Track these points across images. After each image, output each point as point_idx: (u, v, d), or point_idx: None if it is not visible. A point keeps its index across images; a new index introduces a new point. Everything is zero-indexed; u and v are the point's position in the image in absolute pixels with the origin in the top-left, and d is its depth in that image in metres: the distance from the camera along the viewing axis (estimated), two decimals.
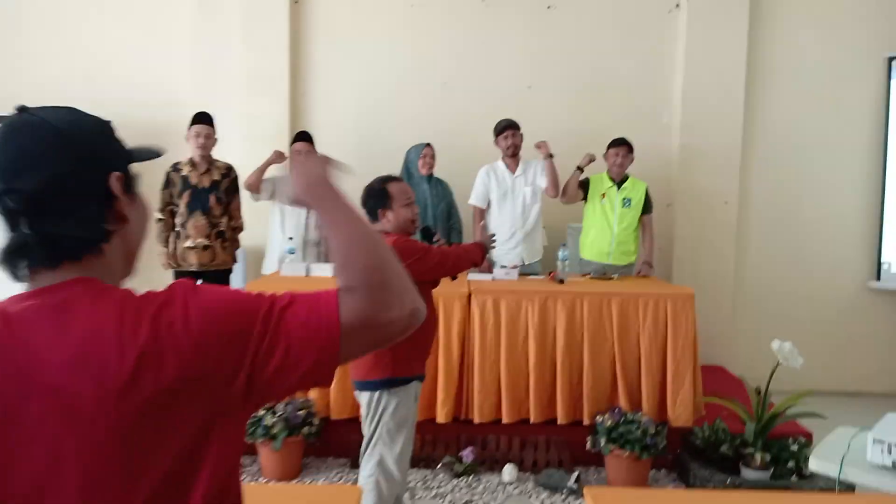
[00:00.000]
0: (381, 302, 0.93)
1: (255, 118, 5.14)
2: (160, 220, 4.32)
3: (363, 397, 2.62)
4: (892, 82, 5.10)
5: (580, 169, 4.46)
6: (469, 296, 3.74)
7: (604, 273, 4.35)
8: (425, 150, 4.54)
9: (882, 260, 5.17)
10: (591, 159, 4.42)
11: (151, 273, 5.00)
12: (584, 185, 4.50)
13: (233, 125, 5.11)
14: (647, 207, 4.56)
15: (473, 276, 4.23)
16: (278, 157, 4.48)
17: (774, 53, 5.24)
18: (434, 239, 2.81)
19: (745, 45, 5.14)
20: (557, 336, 3.71)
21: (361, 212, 1.49)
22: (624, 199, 4.49)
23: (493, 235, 3.14)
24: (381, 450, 2.58)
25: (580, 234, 4.77)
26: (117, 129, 1.02)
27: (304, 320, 0.89)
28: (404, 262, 1.02)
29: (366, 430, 2.62)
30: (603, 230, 4.49)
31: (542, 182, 4.54)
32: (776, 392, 3.50)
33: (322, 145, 5.21)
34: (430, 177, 4.58)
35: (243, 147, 4.88)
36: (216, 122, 4.43)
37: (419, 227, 2.72)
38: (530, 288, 3.86)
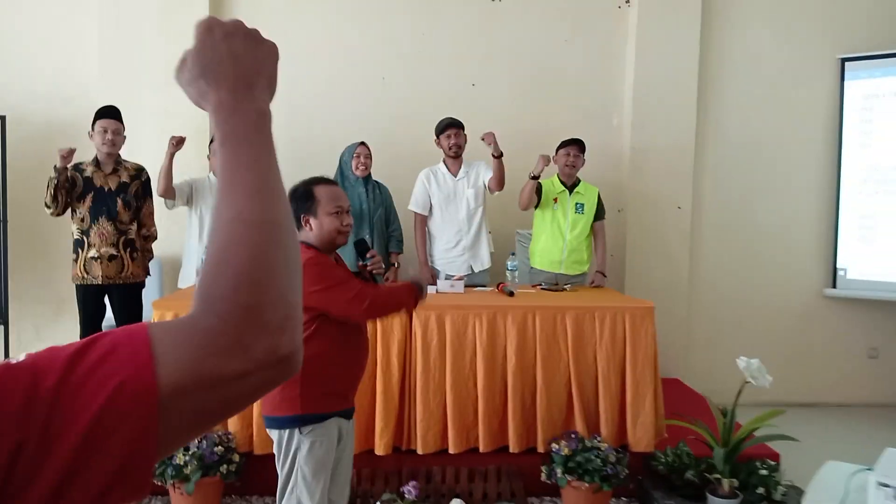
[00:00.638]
0: (236, 341, 0.57)
1: (171, 114, 4.61)
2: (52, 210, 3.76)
3: (273, 435, 2.25)
4: (846, 84, 4.96)
5: (535, 177, 4.09)
6: (409, 314, 3.36)
7: (555, 283, 4.03)
8: (359, 149, 4.14)
9: (837, 266, 5.01)
10: (546, 162, 4.07)
11: (60, 286, 4.50)
12: (537, 190, 4.18)
13: (146, 122, 4.61)
14: (599, 213, 4.27)
15: None
16: (178, 143, 3.93)
17: (728, 52, 5.04)
18: (368, 256, 2.40)
19: (698, 43, 4.93)
20: (508, 355, 3.36)
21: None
22: (577, 203, 4.18)
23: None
24: (300, 495, 2.19)
25: (529, 241, 4.45)
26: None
27: (93, 394, 0.52)
28: (305, 289, 0.66)
29: (280, 472, 2.24)
30: (554, 237, 4.17)
31: (486, 175, 4.19)
32: (730, 403, 3.24)
33: None
34: (366, 179, 4.19)
35: (158, 146, 4.36)
36: (126, 117, 3.94)
37: (353, 240, 2.33)
38: (477, 302, 3.51)
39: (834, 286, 5.03)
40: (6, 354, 4.22)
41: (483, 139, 4.05)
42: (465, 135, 4.22)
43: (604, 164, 4.85)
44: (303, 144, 4.83)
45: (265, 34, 0.74)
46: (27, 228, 4.44)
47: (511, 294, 3.67)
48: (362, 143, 4.17)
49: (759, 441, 3.27)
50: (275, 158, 0.67)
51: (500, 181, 4.11)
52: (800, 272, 5.13)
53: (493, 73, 4.98)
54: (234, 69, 0.68)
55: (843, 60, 4.96)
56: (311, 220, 2.23)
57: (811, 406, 4.89)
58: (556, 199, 4.17)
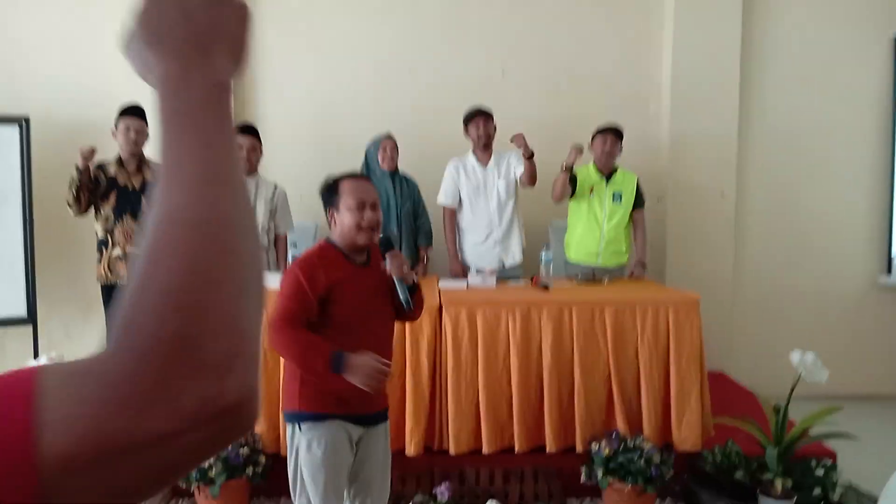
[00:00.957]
0: (158, 388, 0.41)
1: None
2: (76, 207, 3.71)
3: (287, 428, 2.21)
4: None
5: (568, 169, 3.92)
6: (440, 308, 3.22)
7: (593, 276, 3.85)
8: (384, 142, 4.02)
9: (893, 254, 4.73)
10: (579, 152, 3.88)
11: (88, 286, 4.49)
12: (571, 180, 4.00)
13: None
14: (638, 202, 4.08)
15: (445, 283, 3.72)
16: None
17: (771, 33, 4.79)
18: (387, 255, 2.27)
19: (739, 24, 4.69)
20: (543, 351, 3.21)
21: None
22: (614, 193, 4.00)
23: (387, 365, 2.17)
24: (309, 496, 2.12)
25: (564, 233, 4.28)
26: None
27: None
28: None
29: (288, 470, 2.19)
30: (591, 228, 4.00)
31: (517, 170, 4.03)
32: (783, 398, 3.03)
33: (271, 141, 4.70)
34: (393, 173, 4.07)
35: None
36: (149, 115, 3.88)
37: (380, 238, 2.18)
38: (510, 297, 3.35)
39: (889, 273, 4.75)
40: (35, 355, 4.21)
41: (512, 141, 3.89)
42: (495, 124, 4.07)
43: (641, 153, 4.66)
44: (328, 140, 4.75)
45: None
46: (55, 228, 4.42)
47: (546, 288, 3.51)
48: (388, 136, 4.05)
49: (815, 439, 3.06)
50: (231, 142, 0.53)
51: (531, 178, 3.95)
52: (852, 259, 4.86)
53: (523, 61, 4.82)
54: (185, 32, 0.54)
55: None
56: (335, 215, 2.14)
57: (866, 399, 4.61)
58: (591, 189, 3.99)
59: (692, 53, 4.69)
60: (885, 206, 4.77)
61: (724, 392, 4.08)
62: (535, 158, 3.90)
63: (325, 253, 2.14)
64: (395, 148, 4.05)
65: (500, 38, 4.81)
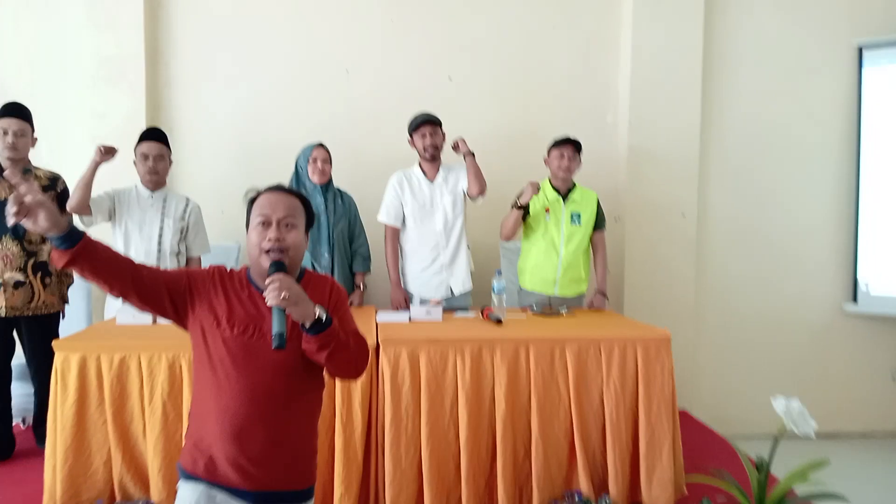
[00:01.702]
0: None
1: (101, 115, 4.00)
2: None
3: None
4: (864, 74, 4.45)
5: (520, 207, 3.51)
6: (377, 347, 2.74)
7: (549, 307, 3.45)
8: (315, 152, 3.54)
9: (858, 279, 4.49)
10: (536, 190, 3.49)
11: None
12: (524, 212, 3.60)
13: (72, 123, 3.97)
14: (599, 223, 3.70)
15: (384, 316, 3.25)
16: (108, 152, 3.24)
17: (735, 40, 4.50)
18: (266, 281, 1.70)
19: (700, 31, 4.39)
20: (496, 398, 2.76)
21: None
22: (572, 213, 3.60)
23: None
24: None
25: (516, 255, 3.87)
26: None
27: None
28: None
29: None
30: (547, 253, 3.59)
31: (464, 182, 3.61)
32: (750, 436, 2.68)
33: (187, 149, 4.15)
34: (325, 186, 3.58)
35: (86, 151, 3.71)
36: (51, 119, 3.31)
37: (272, 262, 1.70)
38: (459, 333, 2.90)
39: (854, 301, 4.50)
40: None
41: (454, 147, 3.51)
42: (444, 133, 3.63)
43: (597, 167, 4.30)
44: (255, 147, 4.23)
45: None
46: None
47: (499, 322, 3.08)
48: (320, 145, 3.56)
49: (804, 500, 2.71)
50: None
51: (478, 182, 3.53)
52: (817, 286, 4.60)
53: (472, 66, 4.40)
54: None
55: (861, 48, 4.45)
56: (247, 236, 1.79)
57: (831, 436, 4.35)
58: (547, 209, 3.58)
59: (651, 61, 4.36)
60: (850, 228, 4.52)
61: (689, 434, 3.69)
62: (485, 172, 3.48)
63: (235, 274, 1.81)
64: (327, 160, 3.56)
65: (447, 38, 4.38)
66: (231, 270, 1.81)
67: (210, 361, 1.69)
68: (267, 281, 1.61)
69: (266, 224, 1.73)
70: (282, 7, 4.24)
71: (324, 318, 1.64)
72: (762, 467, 2.65)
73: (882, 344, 4.58)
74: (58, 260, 1.53)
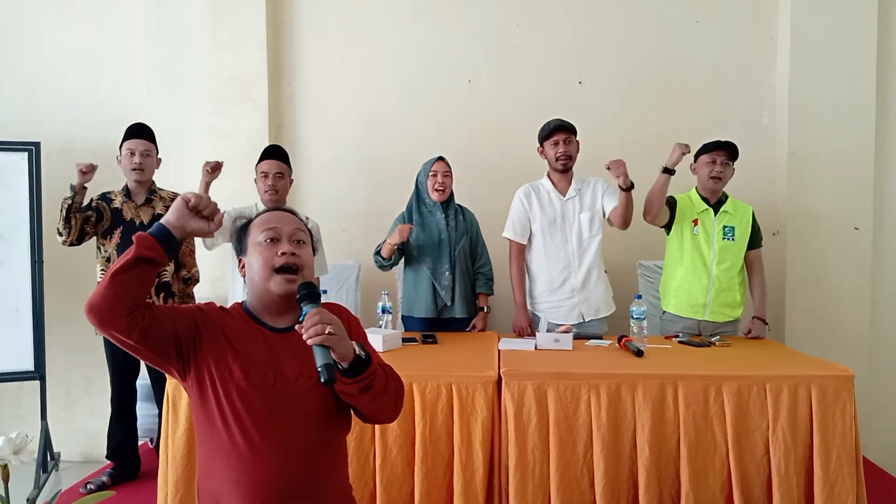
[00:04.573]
0: None
1: (224, 134, 4.01)
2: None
3: None
4: None
5: (669, 171, 3.08)
6: (498, 380, 2.45)
7: (699, 335, 3.01)
8: (435, 166, 3.31)
9: None
10: (686, 151, 3.04)
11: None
12: (670, 205, 3.18)
13: (198, 143, 4.01)
14: (755, 238, 3.21)
15: (507, 343, 2.95)
16: (214, 169, 3.18)
17: None
18: (302, 315, 1.39)
19: (875, 16, 3.78)
20: (639, 444, 2.38)
21: None
22: (724, 227, 3.15)
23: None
24: None
25: (658, 276, 3.45)
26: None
27: None
28: None
29: None
30: (696, 272, 3.14)
31: (607, 204, 3.24)
32: None
33: (310, 165, 4.08)
34: (446, 203, 3.35)
35: None
36: (177, 140, 3.33)
37: (299, 284, 1.46)
38: (593, 367, 2.54)
39: None
40: (43, 415, 3.66)
41: (608, 168, 3.08)
42: (578, 142, 3.30)
43: (752, 176, 3.80)
44: (376, 163, 4.09)
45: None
46: (69, 268, 3.87)
47: (639, 353, 2.69)
48: (440, 159, 3.34)
49: None
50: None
51: (625, 218, 3.15)
52: None
53: (603, 68, 4.04)
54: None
55: None
56: (245, 262, 1.55)
57: None
58: (696, 221, 3.15)
59: (814, 54, 3.82)
60: None
61: (870, 484, 3.13)
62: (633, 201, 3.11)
63: (232, 311, 1.54)
64: (448, 174, 3.34)
65: (575, 39, 4.05)
66: (221, 308, 1.54)
67: (223, 420, 1.41)
68: (308, 315, 1.33)
69: (275, 240, 1.49)
70: (399, 18, 4.10)
71: (363, 356, 1.40)
72: None
73: None
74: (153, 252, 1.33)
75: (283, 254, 1.47)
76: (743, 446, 2.37)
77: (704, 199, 3.19)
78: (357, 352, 1.38)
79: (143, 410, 3.48)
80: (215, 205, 1.40)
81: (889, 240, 3.90)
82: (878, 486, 3.24)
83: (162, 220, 1.37)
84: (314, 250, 1.62)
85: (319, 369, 1.31)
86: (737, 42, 3.99)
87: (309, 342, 1.32)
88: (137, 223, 3.22)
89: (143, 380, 3.40)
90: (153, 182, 3.32)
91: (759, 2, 3.97)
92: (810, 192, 3.83)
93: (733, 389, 2.39)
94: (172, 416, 2.46)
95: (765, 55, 3.97)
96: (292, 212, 1.62)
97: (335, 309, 1.58)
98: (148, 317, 1.35)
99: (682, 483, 2.36)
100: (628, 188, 3.05)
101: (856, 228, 3.81)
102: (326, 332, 1.31)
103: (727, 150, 3.12)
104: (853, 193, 3.82)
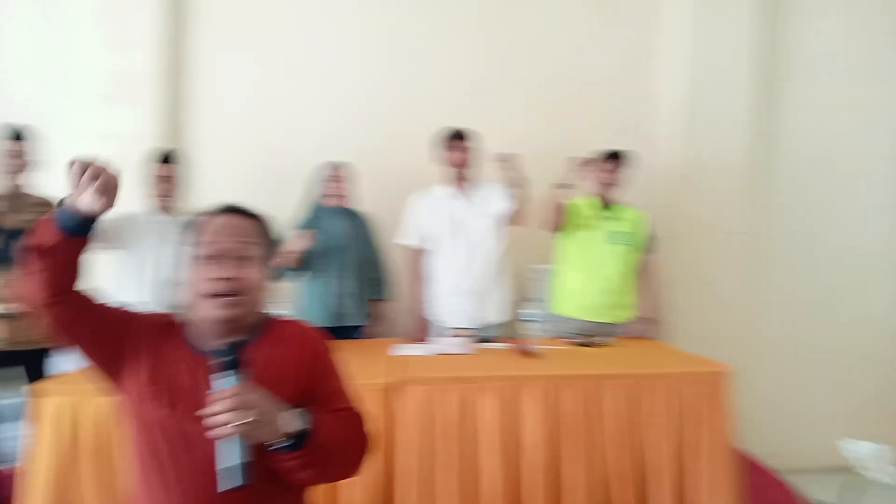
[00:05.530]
0: None
1: (112, 136, 3.81)
2: None
3: None
4: None
5: (564, 186, 3.16)
6: (391, 387, 2.43)
7: (591, 336, 3.11)
8: (333, 171, 3.27)
9: None
10: (579, 167, 3.15)
11: None
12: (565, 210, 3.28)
13: (84, 144, 3.79)
14: (646, 244, 3.36)
15: (400, 349, 2.95)
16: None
17: (794, 48, 4.12)
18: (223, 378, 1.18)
19: (756, 37, 4.02)
20: (531, 443, 2.42)
21: None
22: (616, 232, 3.27)
23: None
24: None
25: (552, 280, 3.54)
26: None
27: None
28: None
29: None
30: (588, 276, 3.25)
31: (504, 208, 3.29)
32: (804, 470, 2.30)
33: (206, 167, 3.95)
34: (343, 208, 3.31)
35: None
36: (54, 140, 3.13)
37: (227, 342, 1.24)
38: (486, 371, 2.57)
39: None
40: None
41: (499, 162, 3.12)
42: (476, 148, 3.34)
43: (644, 183, 3.94)
44: (275, 166, 3.99)
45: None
46: None
47: (533, 355, 2.75)
48: (338, 163, 3.31)
49: None
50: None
51: (522, 215, 3.22)
52: (880, 309, 4.17)
53: (508, 78, 4.10)
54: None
55: None
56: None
57: None
58: (587, 226, 3.25)
59: (699, 68, 4.02)
60: None
61: (747, 477, 3.32)
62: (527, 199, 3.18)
63: (175, 325, 1.38)
64: (346, 178, 3.30)
65: (477, 47, 4.10)
66: (164, 319, 1.38)
67: (150, 442, 1.27)
68: (220, 395, 1.10)
69: (212, 258, 1.29)
70: (301, 19, 4.03)
71: (304, 427, 1.20)
72: None
73: None
74: (50, 236, 1.21)
75: (218, 279, 1.28)
76: (627, 442, 2.47)
77: (596, 204, 3.30)
78: (293, 428, 1.18)
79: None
80: (109, 176, 1.24)
81: (766, 245, 4.16)
82: (756, 478, 3.44)
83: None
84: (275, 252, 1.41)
85: (218, 473, 1.11)
86: (628, 55, 4.16)
87: (212, 436, 1.11)
88: (5, 229, 3.00)
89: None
90: (19, 185, 3.11)
91: (647, 18, 4.15)
92: (692, 201, 4.03)
93: (619, 387, 2.48)
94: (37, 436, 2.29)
95: (651, 70, 4.16)
96: (249, 213, 1.39)
97: (295, 332, 1.41)
98: (96, 312, 1.26)
99: (567, 480, 2.42)
100: (520, 186, 3.10)
101: (729, 234, 4.03)
102: (243, 422, 1.10)
103: (618, 158, 3.25)
104: (730, 201, 4.04)
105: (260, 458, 1.18)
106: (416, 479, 2.35)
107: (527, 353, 2.77)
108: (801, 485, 3.01)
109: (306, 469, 1.24)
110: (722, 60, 3.99)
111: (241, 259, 1.32)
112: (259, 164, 4.00)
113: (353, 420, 1.37)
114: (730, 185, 4.04)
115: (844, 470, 2.25)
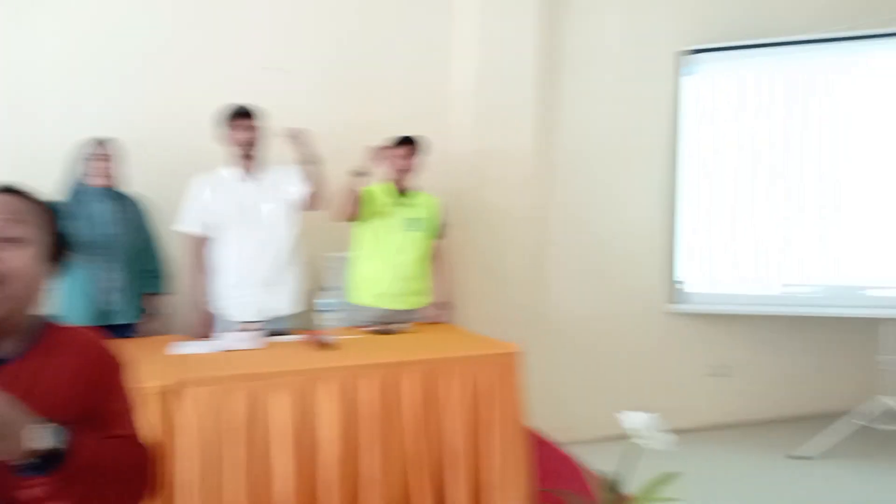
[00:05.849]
0: None
1: None
2: None
3: None
4: (681, 81, 4.54)
5: (360, 174, 3.07)
6: (170, 390, 2.18)
7: (385, 324, 3.06)
8: (97, 149, 2.89)
9: (676, 280, 4.60)
10: (374, 157, 3.08)
11: None
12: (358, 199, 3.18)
13: None
14: (440, 229, 3.38)
15: (182, 347, 2.69)
16: None
17: (572, 42, 4.38)
18: None
19: (537, 31, 4.21)
20: (329, 438, 2.31)
21: None
22: (411, 218, 3.25)
23: None
24: None
25: (347, 268, 3.45)
26: None
27: None
28: None
29: None
30: (382, 262, 3.20)
31: (297, 191, 3.11)
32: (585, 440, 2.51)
33: None
34: (109, 190, 2.93)
35: None
36: None
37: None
38: (280, 366, 2.41)
39: (675, 301, 4.59)
40: None
41: (289, 138, 2.94)
42: (264, 127, 3.11)
43: (440, 170, 3.96)
44: (29, 144, 3.44)
45: None
46: None
47: (329, 345, 2.64)
48: (102, 141, 2.92)
49: None
50: None
51: (317, 197, 3.06)
52: (645, 289, 4.64)
53: (307, 58, 3.90)
54: None
55: (681, 54, 4.53)
56: None
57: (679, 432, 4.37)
58: (382, 213, 3.20)
59: (483, 62, 4.13)
60: (669, 231, 4.61)
61: (536, 453, 3.51)
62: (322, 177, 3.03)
63: None
64: (112, 157, 2.92)
65: (269, 22, 3.84)
66: None
67: None
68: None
69: None
70: None
71: (58, 447, 0.99)
72: (613, 488, 2.45)
73: (701, 341, 4.74)
74: None
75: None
76: (423, 428, 2.45)
77: (390, 190, 3.25)
78: (42, 446, 0.96)
79: None
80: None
81: (549, 229, 4.41)
82: (544, 452, 3.64)
83: None
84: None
85: None
86: (422, 44, 4.14)
87: None
88: None
89: None
90: None
91: (440, 13, 4.17)
92: (481, 188, 4.14)
93: (416, 374, 2.46)
94: None
95: (447, 59, 4.20)
96: (19, 191, 1.14)
97: (77, 341, 1.18)
98: None
99: (364, 473, 2.35)
100: (312, 162, 2.96)
101: (517, 219, 4.21)
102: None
103: (412, 144, 3.22)
104: (517, 188, 4.22)
105: None
106: (199, 488, 2.14)
107: (322, 345, 2.66)
108: (584, 455, 3.23)
109: (56, 500, 1.03)
110: (508, 54, 4.13)
111: (6, 241, 1.07)
112: (17, 141, 3.42)
113: (130, 450, 1.17)
114: (517, 173, 4.21)
115: (622, 439, 2.43)
